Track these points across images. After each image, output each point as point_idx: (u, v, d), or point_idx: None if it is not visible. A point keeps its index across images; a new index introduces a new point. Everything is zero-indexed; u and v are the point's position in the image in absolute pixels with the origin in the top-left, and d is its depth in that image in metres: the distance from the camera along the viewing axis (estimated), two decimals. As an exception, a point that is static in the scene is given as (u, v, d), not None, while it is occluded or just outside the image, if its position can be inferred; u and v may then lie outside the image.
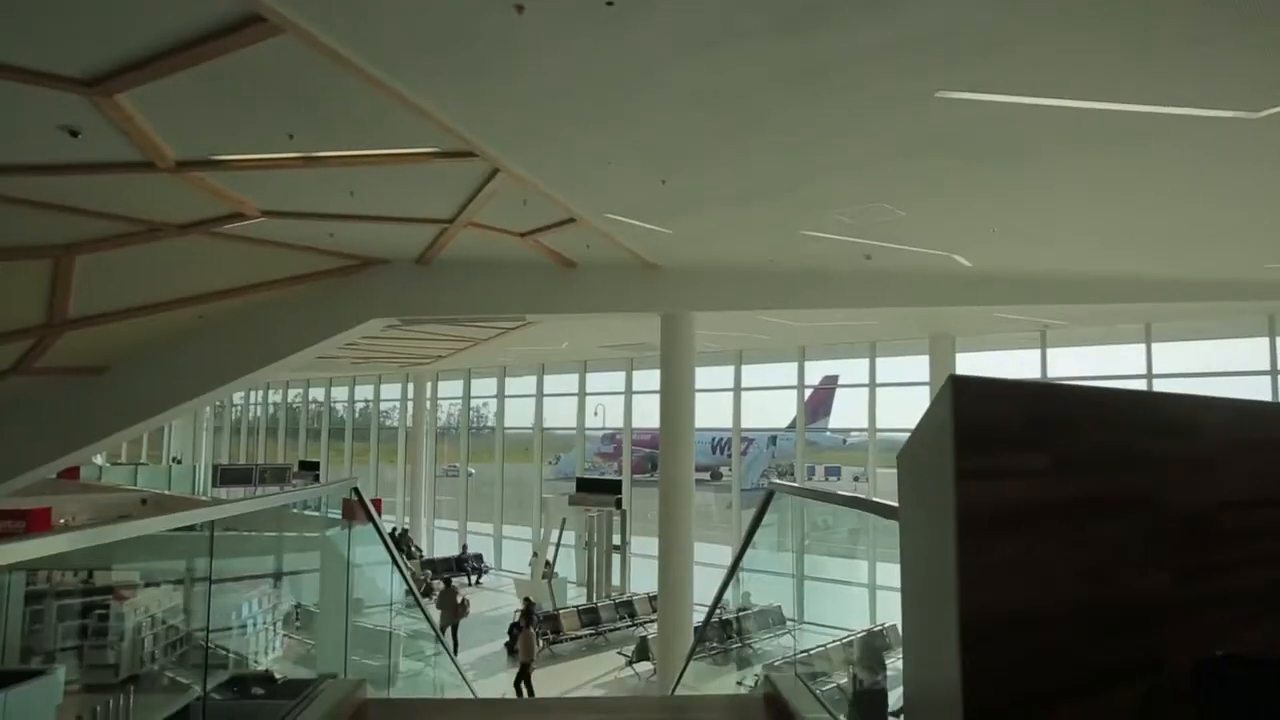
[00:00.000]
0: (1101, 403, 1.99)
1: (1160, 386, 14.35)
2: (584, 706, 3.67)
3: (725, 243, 9.64)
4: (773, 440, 40.57)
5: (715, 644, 14.89)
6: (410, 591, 4.51)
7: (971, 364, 17.32)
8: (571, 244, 9.88)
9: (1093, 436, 1.94)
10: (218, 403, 38.82)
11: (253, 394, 36.25)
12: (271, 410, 36.06)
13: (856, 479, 42.78)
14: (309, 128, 6.24)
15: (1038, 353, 15.95)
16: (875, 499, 2.59)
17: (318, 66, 5.00)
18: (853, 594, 16.85)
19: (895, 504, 2.21)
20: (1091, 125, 5.75)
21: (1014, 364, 17.39)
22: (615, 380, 22.03)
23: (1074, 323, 14.81)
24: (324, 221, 8.79)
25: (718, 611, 15.42)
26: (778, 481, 3.69)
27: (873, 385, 17.97)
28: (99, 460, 36.65)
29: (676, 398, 10.90)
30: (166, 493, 24.36)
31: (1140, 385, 14.52)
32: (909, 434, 2.00)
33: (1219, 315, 13.16)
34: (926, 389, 17.01)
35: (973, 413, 1.78)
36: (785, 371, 20.42)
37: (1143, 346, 14.65)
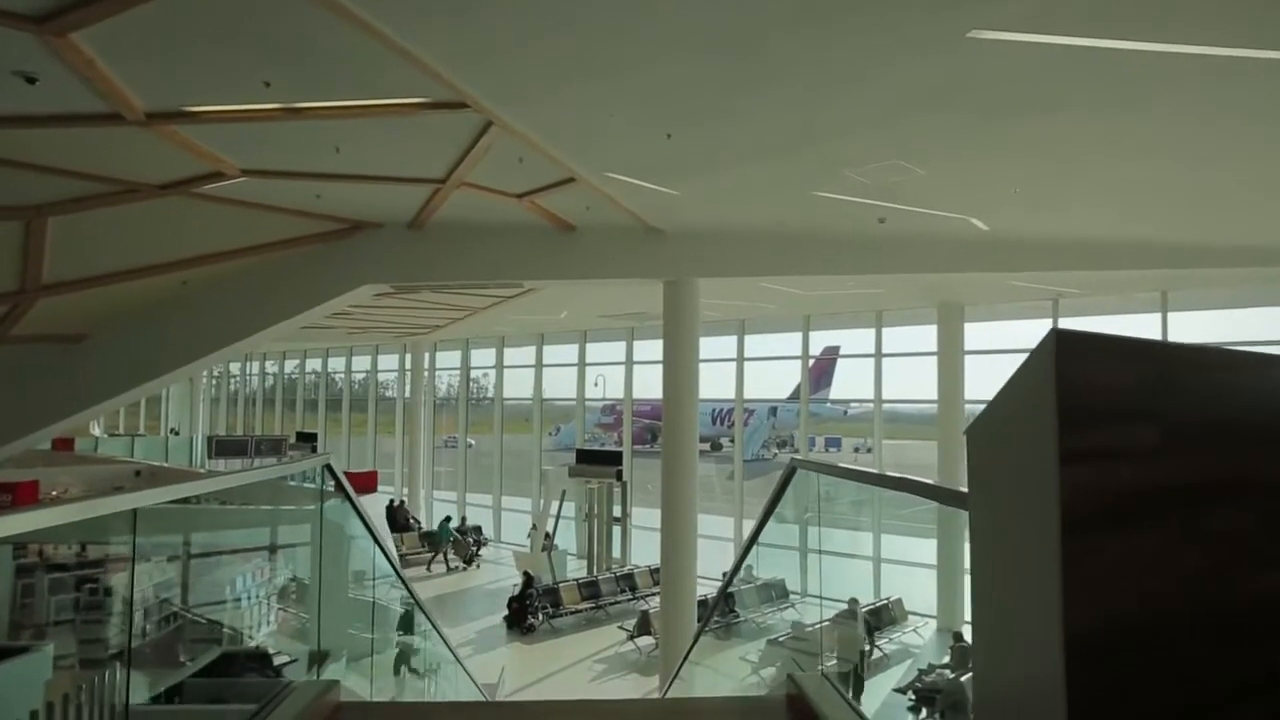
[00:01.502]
0: (1231, 365, 1.60)
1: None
2: (584, 710, 3.33)
3: (732, 205, 9.19)
4: (773, 411, 40.39)
5: (719, 619, 14.68)
6: (394, 567, 4.17)
7: (980, 334, 16.94)
8: (570, 206, 9.44)
9: (1219, 408, 1.56)
10: (216, 373, 38.59)
11: (251, 364, 35.94)
12: (270, 381, 35.76)
13: (857, 450, 42.93)
14: (287, 75, 5.78)
15: (1048, 322, 15.55)
16: (925, 480, 2.22)
17: (293, 3, 4.56)
18: (868, 568, 16.68)
19: (954, 487, 1.85)
20: (1129, 73, 5.32)
21: (1024, 334, 17.02)
22: (616, 350, 21.70)
23: (1088, 291, 14.41)
24: (309, 181, 8.33)
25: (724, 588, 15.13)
26: (800, 457, 3.31)
27: (879, 355, 17.58)
28: (97, 431, 36.54)
29: (680, 367, 10.52)
30: (163, 464, 24.13)
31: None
32: (984, 405, 1.63)
33: (1239, 283, 12.74)
34: (934, 359, 16.64)
35: (1081, 378, 1.39)
36: (787, 341, 20.07)
37: (1158, 316, 14.27)
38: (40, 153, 7.15)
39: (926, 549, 15.94)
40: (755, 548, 4.68)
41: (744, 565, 16.51)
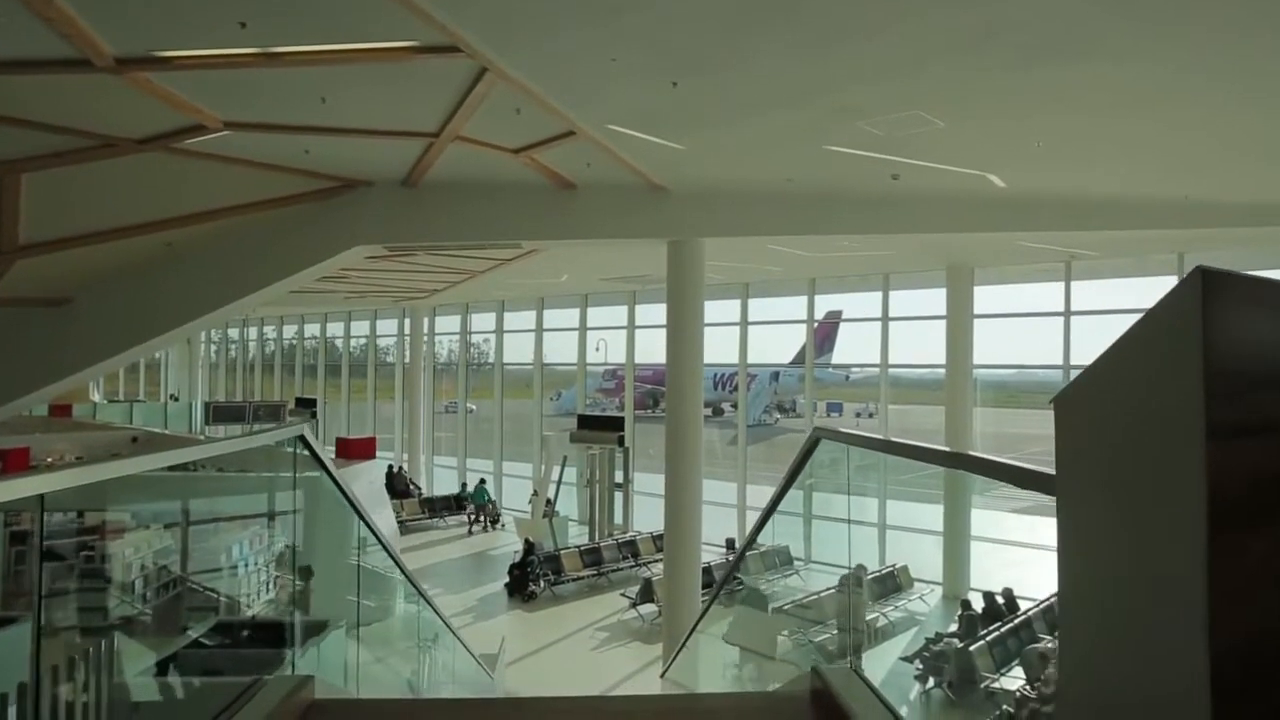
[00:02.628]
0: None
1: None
2: (587, 710, 3.06)
3: (740, 160, 8.79)
4: (775, 376, 40.11)
5: (730, 586, 14.52)
6: (379, 539, 3.89)
7: (989, 298, 16.58)
8: (571, 162, 9.04)
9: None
10: (215, 338, 38.30)
11: (249, 329, 35.61)
12: (269, 347, 35.47)
13: (859, 415, 42.72)
14: (263, 15, 5.38)
15: (1061, 285, 15.18)
16: (988, 457, 1.91)
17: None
18: (872, 534, 16.50)
19: (1037, 468, 1.54)
20: (1163, 16, 4.94)
21: (1035, 298, 16.61)
22: (617, 314, 21.34)
23: (1103, 253, 14.02)
24: (296, 135, 7.93)
25: (727, 555, 14.96)
26: (825, 427, 3.00)
27: (885, 319, 17.21)
28: (96, 397, 36.37)
29: (684, 331, 10.19)
30: (160, 431, 23.92)
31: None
32: (1081, 368, 1.32)
33: (1260, 243, 12.35)
34: (939, 323, 16.29)
35: (1235, 331, 1.06)
36: (790, 305, 19.74)
37: (1174, 279, 13.86)
38: (9, 104, 6.76)
39: (931, 514, 15.75)
40: (767, 516, 4.40)
41: (750, 533, 16.22)
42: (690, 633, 7.60)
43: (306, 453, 3.11)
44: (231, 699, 2.42)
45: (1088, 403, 1.32)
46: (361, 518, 3.68)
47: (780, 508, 4.50)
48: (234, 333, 37.20)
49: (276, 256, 9.81)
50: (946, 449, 1.90)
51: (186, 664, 3.70)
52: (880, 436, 2.61)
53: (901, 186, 9.33)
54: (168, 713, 2.71)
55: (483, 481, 21.76)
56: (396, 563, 4.45)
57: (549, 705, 3.03)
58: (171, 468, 2.52)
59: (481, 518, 21.04)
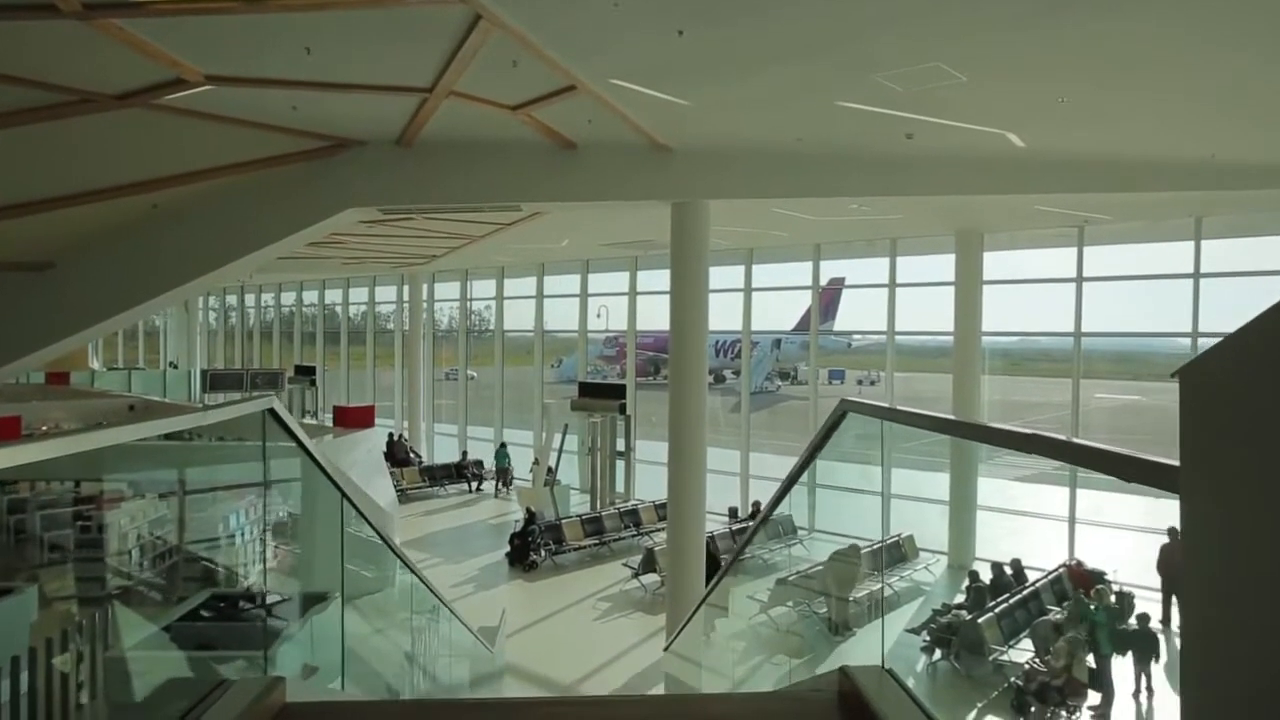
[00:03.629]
0: None
1: (1209, 286, 13.32)
2: (590, 710, 2.80)
3: (748, 117, 8.40)
4: (777, 343, 39.84)
5: (726, 556, 14.35)
6: (360, 514, 3.64)
7: (999, 264, 16.24)
8: (571, 120, 8.65)
9: None
10: (214, 305, 37.97)
11: (249, 296, 35.26)
12: (269, 314, 35.14)
13: (861, 383, 42.61)
14: (240, -45, 5.00)
15: (1073, 251, 14.81)
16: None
17: None
18: (875, 503, 16.28)
19: (1156, 459, 1.26)
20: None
21: (1047, 263, 16.24)
22: (618, 281, 21.00)
23: (1117, 217, 13.64)
24: (282, 90, 7.55)
25: (730, 525, 14.76)
26: (853, 399, 2.72)
27: (892, 285, 16.85)
28: (95, 365, 36.17)
29: (688, 296, 9.86)
30: (158, 399, 23.72)
31: (1187, 285, 13.49)
32: (1218, 338, 1.03)
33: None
34: (945, 290, 15.95)
35: None
36: (793, 271, 19.40)
37: (1190, 244, 13.52)
38: (-24, 56, 6.39)
39: (936, 483, 15.52)
40: (787, 488, 4.13)
41: (754, 501, 15.98)
42: (697, 608, 7.39)
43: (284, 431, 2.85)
44: (194, 702, 2.17)
45: (1232, 377, 1.03)
46: (342, 493, 3.41)
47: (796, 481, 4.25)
48: (233, 300, 36.88)
49: (267, 219, 9.45)
50: (1023, 429, 1.61)
51: (179, 636, 3.51)
52: (923, 412, 2.31)
53: (915, 147, 8.96)
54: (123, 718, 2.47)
55: (503, 445, 22.20)
56: (383, 539, 4.19)
57: (550, 710, 2.78)
58: (166, 436, 2.29)
59: (501, 481, 21.55)
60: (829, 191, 9.69)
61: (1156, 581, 12.21)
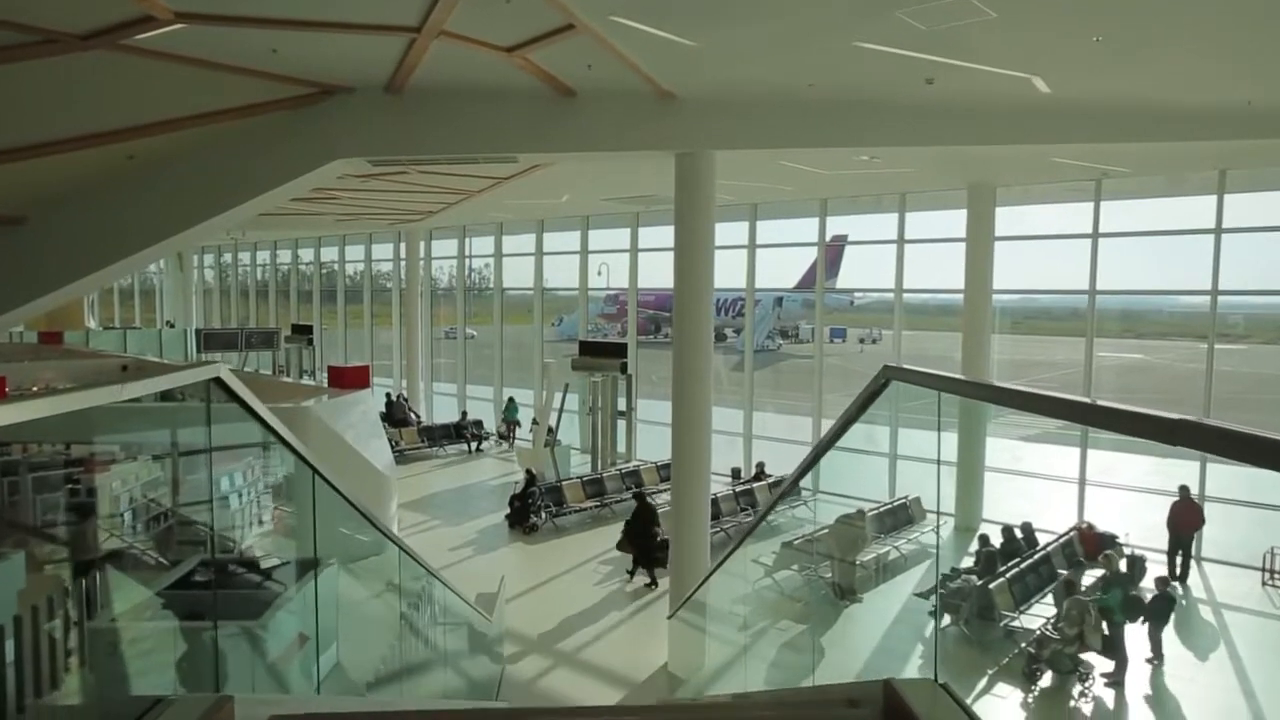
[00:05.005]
0: None
1: (1230, 241, 12.87)
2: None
3: (758, 60, 7.88)
4: (778, 301, 39.38)
5: (729, 518, 14.10)
6: (330, 485, 3.30)
7: (1008, 221, 15.76)
8: (569, 63, 8.13)
9: None
10: (208, 264, 37.43)
11: (244, 254, 34.70)
12: (265, 273, 34.61)
13: (863, 341, 42.31)
14: None
15: (1090, 206, 14.31)
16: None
17: None
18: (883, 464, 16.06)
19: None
20: None
21: (1063, 219, 15.71)
22: (620, 237, 20.52)
23: (1137, 169, 13.14)
24: (260, 30, 7.03)
25: (734, 485, 14.44)
26: (898, 366, 2.34)
27: (901, 241, 16.37)
28: (91, 324, 35.80)
29: (693, 252, 9.42)
30: (153, 359, 23.36)
31: (1208, 240, 13.04)
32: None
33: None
34: (951, 247, 15.49)
35: None
36: (795, 228, 18.90)
37: (1213, 199, 13.04)
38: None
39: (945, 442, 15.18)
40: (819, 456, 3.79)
41: (757, 463, 15.62)
42: (704, 580, 7.11)
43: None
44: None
45: None
46: (314, 470, 3.06)
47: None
48: (229, 258, 36.36)
49: (248, 172, 8.96)
50: (1168, 414, 1.25)
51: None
52: (990, 382, 1.94)
53: (934, 94, 8.47)
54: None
55: (512, 399, 22.50)
56: (366, 516, 3.85)
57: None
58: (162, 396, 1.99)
59: (511, 433, 21.87)
60: (843, 142, 9.20)
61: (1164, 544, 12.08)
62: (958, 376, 2.10)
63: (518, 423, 22.01)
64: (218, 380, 2.13)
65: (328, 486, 3.32)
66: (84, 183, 8.97)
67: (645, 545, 11.96)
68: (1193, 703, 8.74)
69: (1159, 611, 9.26)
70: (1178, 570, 11.69)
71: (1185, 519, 11.70)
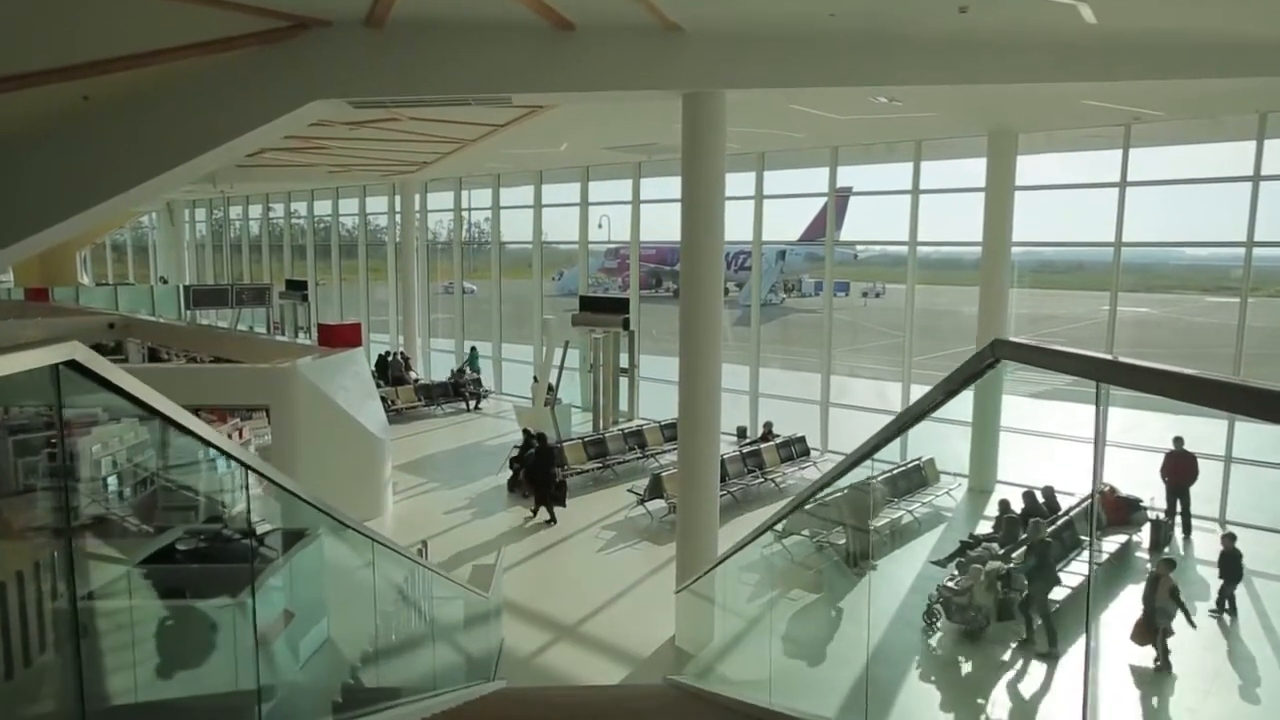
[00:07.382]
0: None
1: (1269, 190, 12.14)
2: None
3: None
4: (781, 254, 38.58)
5: (738, 480, 13.61)
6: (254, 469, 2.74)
7: (1034, 169, 14.99)
8: (567, -8, 7.38)
9: None
10: (200, 218, 36.59)
11: (236, 209, 33.86)
12: (255, 228, 33.80)
13: (865, 295, 41.64)
14: None
15: (1118, 154, 13.54)
16: None
17: None
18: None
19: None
20: None
21: (1088, 168, 14.96)
22: (621, 189, 19.76)
23: (1171, 113, 12.33)
24: (220, -49, 6.29)
25: (740, 445, 13.86)
26: (1008, 341, 1.74)
27: (915, 192, 15.61)
28: (85, 280, 35.15)
29: (701, 200, 8.74)
30: (142, 316, 22.75)
31: (1245, 189, 12.31)
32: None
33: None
34: (967, 198, 14.76)
35: None
36: (800, 179, 18.15)
37: (1251, 144, 12.27)
38: None
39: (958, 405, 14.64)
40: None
41: (765, 422, 15.04)
42: (715, 565, 6.57)
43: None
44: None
45: None
46: (245, 465, 2.48)
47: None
48: (220, 213, 35.53)
49: (217, 115, 8.21)
50: None
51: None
52: (1131, 360, 1.35)
53: (967, 25, 7.71)
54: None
55: (474, 349, 22.40)
56: (332, 516, 3.29)
57: None
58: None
59: (475, 394, 21.24)
60: (867, 80, 8.47)
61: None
62: (1102, 356, 1.49)
63: (478, 378, 21.47)
64: (73, 362, 1.53)
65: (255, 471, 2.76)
66: (32, 127, 8.22)
67: (544, 486, 12.78)
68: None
69: (1230, 572, 9.22)
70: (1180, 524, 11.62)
71: (1181, 470, 11.60)
